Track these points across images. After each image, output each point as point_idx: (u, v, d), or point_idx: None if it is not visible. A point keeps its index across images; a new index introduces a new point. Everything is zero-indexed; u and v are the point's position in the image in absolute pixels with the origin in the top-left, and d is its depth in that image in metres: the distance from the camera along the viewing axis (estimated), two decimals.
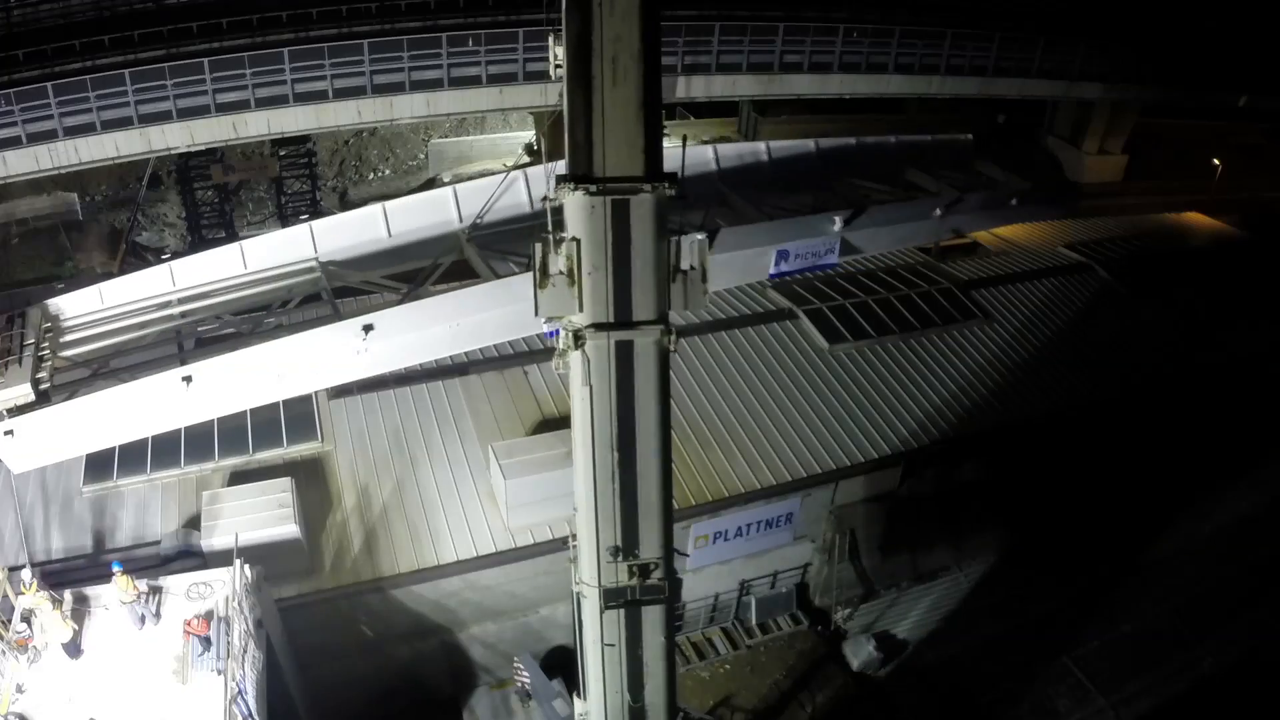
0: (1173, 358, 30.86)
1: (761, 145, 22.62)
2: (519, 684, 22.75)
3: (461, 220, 19.20)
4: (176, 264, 18.61)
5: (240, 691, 15.63)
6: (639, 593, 13.40)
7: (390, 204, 19.50)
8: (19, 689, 15.51)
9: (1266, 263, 36.47)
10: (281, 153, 44.95)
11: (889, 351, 28.54)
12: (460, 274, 20.31)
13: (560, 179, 11.30)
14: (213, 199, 44.67)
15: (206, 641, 16.16)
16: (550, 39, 14.74)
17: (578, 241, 11.44)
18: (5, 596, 16.35)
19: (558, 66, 14.79)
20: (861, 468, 25.30)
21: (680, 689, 24.12)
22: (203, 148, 35.11)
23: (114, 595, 16.32)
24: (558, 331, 17.99)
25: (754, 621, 25.94)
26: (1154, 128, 52.14)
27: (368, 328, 16.26)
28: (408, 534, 22.00)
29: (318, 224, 19.29)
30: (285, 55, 30.84)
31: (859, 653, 25.15)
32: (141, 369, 16.87)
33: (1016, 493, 28.04)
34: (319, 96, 32.27)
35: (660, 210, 11.49)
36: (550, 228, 11.71)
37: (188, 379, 15.86)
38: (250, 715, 15.71)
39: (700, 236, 12.73)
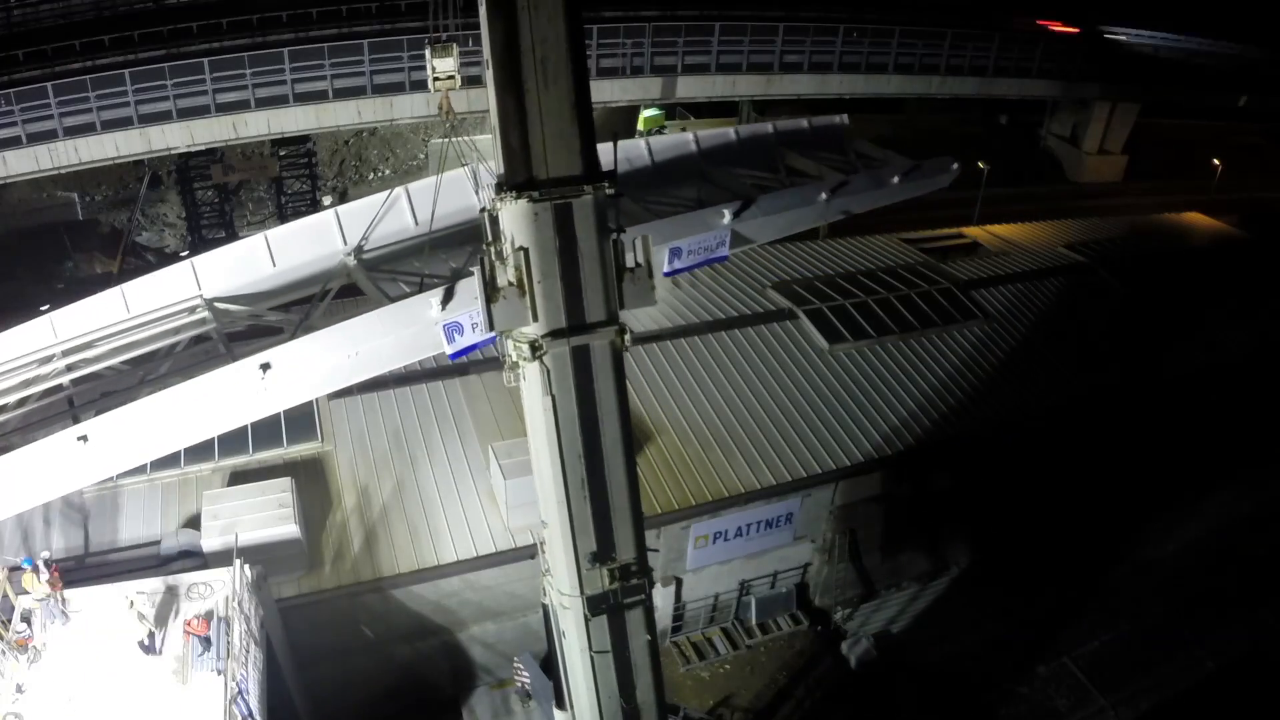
0: (1172, 357, 30.86)
1: (641, 142, 22.47)
2: (519, 684, 22.74)
3: (346, 243, 18.47)
4: (56, 315, 17.46)
5: (240, 691, 15.63)
6: (621, 595, 13.24)
7: (271, 233, 18.52)
8: (19, 689, 15.51)
9: (1266, 263, 36.50)
10: (281, 153, 44.97)
11: (889, 351, 28.53)
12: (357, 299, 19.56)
13: (499, 188, 11.03)
14: (213, 199, 44.69)
15: (206, 641, 16.16)
16: (427, 50, 14.13)
17: (525, 250, 11.17)
18: (5, 596, 16.33)
19: (437, 79, 14.52)
20: (862, 468, 25.29)
21: (680, 689, 24.19)
22: (203, 148, 35.15)
23: (31, 593, 16.16)
24: (464, 353, 17.57)
25: (754, 621, 25.93)
26: (1154, 128, 52.20)
27: (265, 366, 15.92)
28: (408, 534, 21.99)
29: (199, 260, 18.24)
30: (285, 55, 30.86)
31: (858, 652, 25.16)
32: (33, 430, 15.80)
33: (1016, 492, 28.05)
34: (319, 96, 32.31)
35: (601, 210, 11.38)
36: (490, 239, 11.41)
37: (83, 438, 15.10)
38: (250, 715, 15.71)
39: (645, 233, 12.49)
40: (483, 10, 10.56)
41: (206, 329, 17.46)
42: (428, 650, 22.51)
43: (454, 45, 14.34)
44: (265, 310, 18.41)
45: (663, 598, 24.68)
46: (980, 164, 43.91)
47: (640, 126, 48.60)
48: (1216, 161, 46.46)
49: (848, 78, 39.75)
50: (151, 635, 16.18)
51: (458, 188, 18.12)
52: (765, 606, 26.04)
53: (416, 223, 18.78)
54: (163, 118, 30.76)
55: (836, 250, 33.99)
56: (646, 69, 35.78)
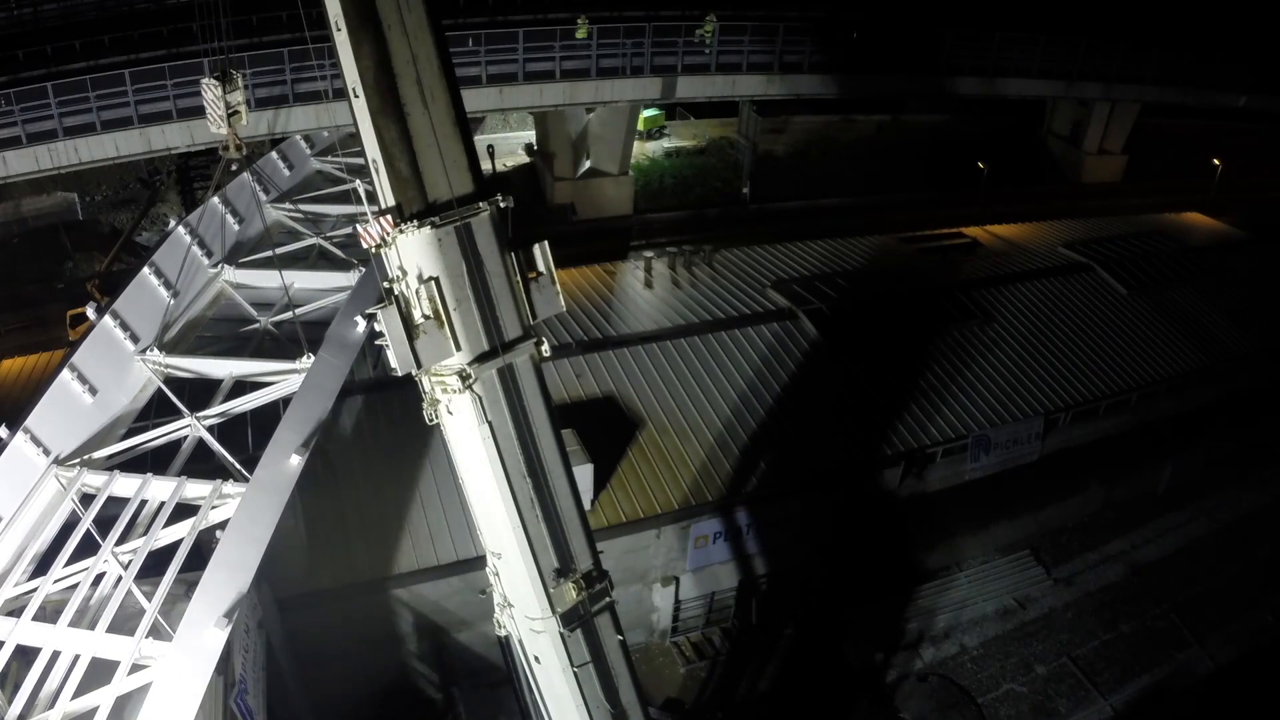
0: (1171, 357, 30.86)
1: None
2: None
3: (138, 341, 17.35)
4: None
5: (241, 691, 15.62)
6: (590, 603, 13.18)
7: (75, 359, 16.40)
8: None
9: (1266, 263, 36.51)
10: None
11: (889, 351, 28.50)
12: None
13: (398, 219, 10.76)
14: None
15: None
16: (213, 87, 13.42)
17: (435, 280, 11.03)
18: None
19: (233, 113, 13.81)
20: (862, 468, 25.28)
21: (680, 689, 24.20)
22: (203, 148, 35.11)
23: None
24: None
25: (754, 621, 25.92)
26: (1154, 128, 52.17)
27: (303, 446, 15.20)
28: (408, 534, 22.00)
29: (33, 420, 15.35)
30: (285, 55, 30.84)
31: (859, 653, 25.14)
32: None
33: (1016, 491, 28.07)
34: (319, 97, 32.25)
35: (499, 224, 11.30)
36: (393, 276, 11.13)
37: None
38: (250, 715, 15.70)
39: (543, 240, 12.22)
40: (341, 36, 10.19)
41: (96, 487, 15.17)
42: (428, 650, 22.52)
43: (239, 76, 14.07)
44: (108, 452, 16.22)
45: (662, 598, 24.67)
46: (980, 164, 43.94)
47: (639, 127, 48.58)
48: (1216, 161, 46.45)
49: (848, 77, 39.73)
50: None
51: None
52: (765, 606, 26.02)
53: (174, 295, 18.28)
54: (163, 118, 30.71)
55: (836, 250, 34.00)
56: (646, 69, 35.78)
